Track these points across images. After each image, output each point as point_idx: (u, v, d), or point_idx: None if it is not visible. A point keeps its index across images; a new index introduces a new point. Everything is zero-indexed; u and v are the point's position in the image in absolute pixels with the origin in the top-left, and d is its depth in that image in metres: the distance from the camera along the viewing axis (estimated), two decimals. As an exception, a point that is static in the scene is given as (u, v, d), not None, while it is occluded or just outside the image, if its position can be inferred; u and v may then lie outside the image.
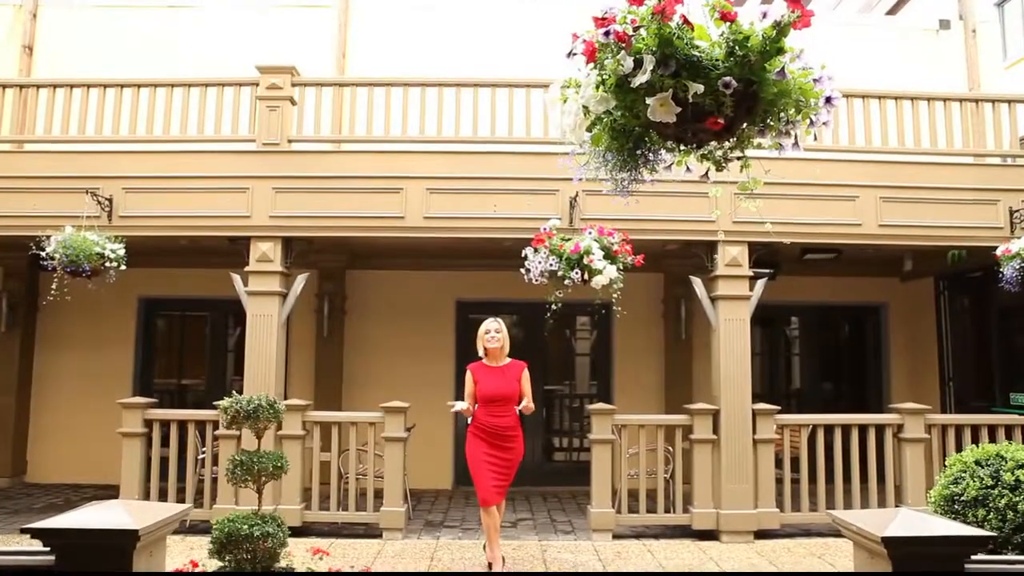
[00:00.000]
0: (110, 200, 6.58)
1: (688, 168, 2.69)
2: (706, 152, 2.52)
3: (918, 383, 9.34)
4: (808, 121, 2.34)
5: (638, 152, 2.38)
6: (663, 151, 2.52)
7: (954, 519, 4.13)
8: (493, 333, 5.39)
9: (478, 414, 5.34)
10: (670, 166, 2.64)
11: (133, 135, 6.85)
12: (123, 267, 6.20)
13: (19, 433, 8.87)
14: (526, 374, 5.45)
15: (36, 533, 2.83)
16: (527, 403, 5.38)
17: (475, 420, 5.33)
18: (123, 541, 2.82)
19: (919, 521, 3.11)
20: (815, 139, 2.78)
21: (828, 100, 2.31)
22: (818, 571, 4.47)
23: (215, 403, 4.84)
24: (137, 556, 2.87)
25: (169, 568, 4.69)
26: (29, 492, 8.40)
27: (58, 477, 8.89)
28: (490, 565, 5.30)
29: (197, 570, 3.89)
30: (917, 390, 9.17)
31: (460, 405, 5.32)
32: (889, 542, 2.93)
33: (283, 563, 4.14)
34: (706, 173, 2.66)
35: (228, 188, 6.63)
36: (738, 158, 2.49)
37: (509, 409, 5.32)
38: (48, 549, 2.83)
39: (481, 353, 5.45)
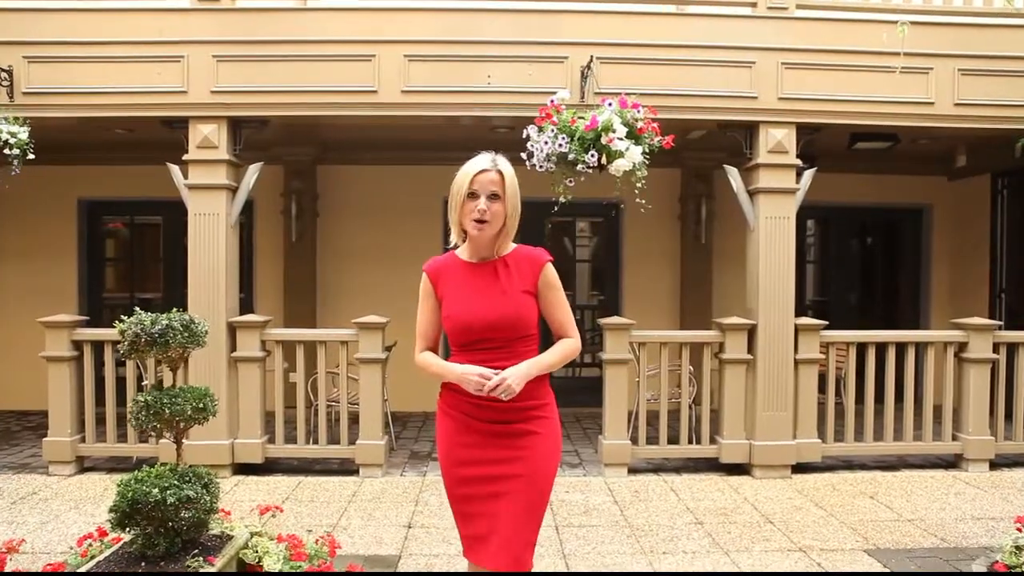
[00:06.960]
0: (9, 72, 5.28)
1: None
2: None
3: (963, 295, 8.35)
4: None
5: None
6: None
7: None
8: (484, 203, 2.34)
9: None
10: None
11: (34, -12, 5.49)
12: (31, 155, 5.05)
13: (-48, 354, 7.84)
14: (550, 274, 2.48)
15: None
16: (568, 345, 2.44)
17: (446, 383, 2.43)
18: None
19: None
20: None
21: None
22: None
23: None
24: None
25: (81, 532, 3.77)
26: (-35, 420, 7.44)
27: (1, 403, 7.93)
28: None
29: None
30: (961, 303, 8.21)
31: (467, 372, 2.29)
32: None
33: (216, 529, 3.16)
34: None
35: (157, 57, 5.32)
36: None
37: (514, 351, 2.33)
38: None
39: (455, 239, 2.48)
